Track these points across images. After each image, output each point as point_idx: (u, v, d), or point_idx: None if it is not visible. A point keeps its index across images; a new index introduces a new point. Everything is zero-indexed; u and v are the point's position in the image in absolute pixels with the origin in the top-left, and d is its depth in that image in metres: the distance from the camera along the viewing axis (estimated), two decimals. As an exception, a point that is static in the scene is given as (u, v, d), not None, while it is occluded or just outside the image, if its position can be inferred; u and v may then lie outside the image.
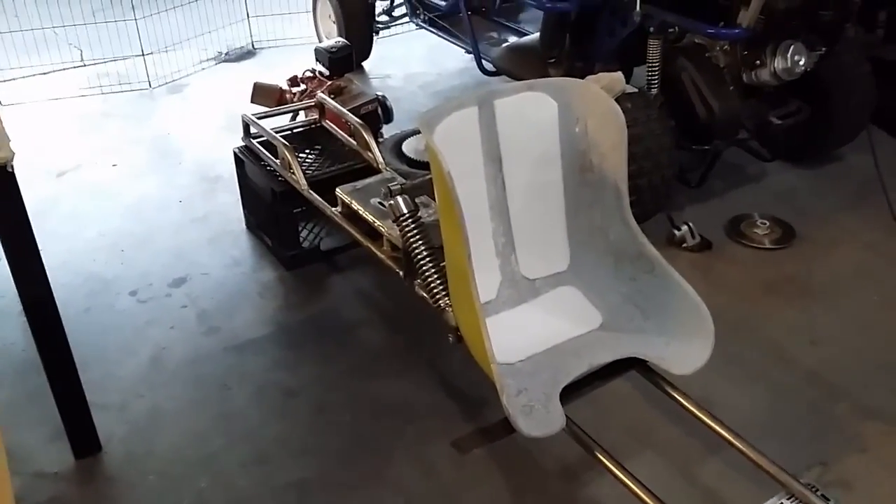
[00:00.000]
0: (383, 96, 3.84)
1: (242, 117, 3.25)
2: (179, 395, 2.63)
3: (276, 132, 3.25)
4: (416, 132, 3.58)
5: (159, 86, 4.84)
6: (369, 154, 3.10)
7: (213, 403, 2.59)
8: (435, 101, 4.65)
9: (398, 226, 2.28)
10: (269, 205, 3.15)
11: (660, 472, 2.23)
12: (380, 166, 3.02)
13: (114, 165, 4.01)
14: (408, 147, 3.47)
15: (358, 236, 2.68)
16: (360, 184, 2.83)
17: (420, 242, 2.25)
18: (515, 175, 2.22)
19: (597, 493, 2.18)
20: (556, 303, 2.27)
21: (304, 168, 3.06)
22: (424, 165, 3.32)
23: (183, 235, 3.44)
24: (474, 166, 2.20)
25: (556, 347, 2.11)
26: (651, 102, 3.20)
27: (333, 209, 2.82)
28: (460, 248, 1.90)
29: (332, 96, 3.74)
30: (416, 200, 2.34)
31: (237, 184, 3.44)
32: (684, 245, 3.18)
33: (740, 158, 3.69)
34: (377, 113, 3.81)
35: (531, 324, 2.21)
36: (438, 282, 2.22)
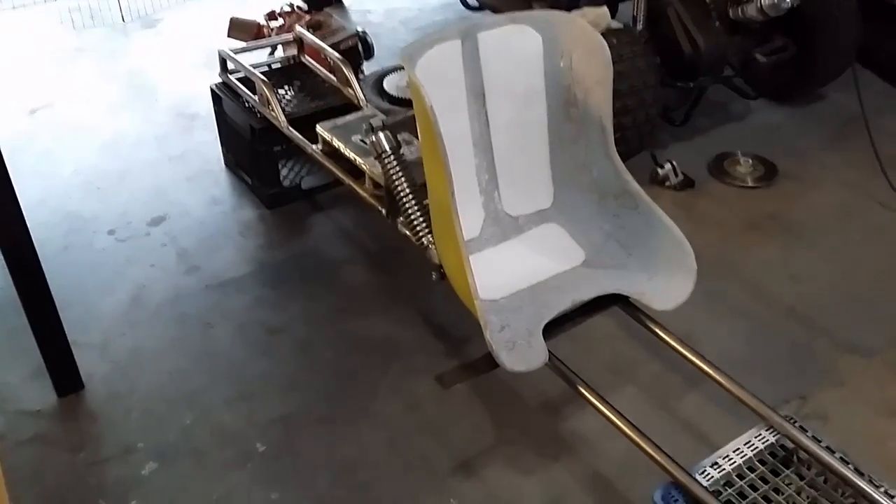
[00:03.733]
0: (363, 31, 3.76)
1: (219, 52, 3.18)
2: (161, 334, 2.62)
3: (255, 68, 3.18)
4: (397, 68, 3.52)
5: (132, 21, 4.72)
6: (350, 90, 3.04)
7: (195, 342, 2.58)
8: (416, 36, 4.54)
9: (380, 163, 2.26)
10: (249, 143, 3.10)
11: (641, 406, 2.26)
12: (360, 103, 2.97)
13: (88, 102, 3.92)
14: (389, 84, 3.42)
15: (339, 174, 2.65)
16: (340, 121, 2.78)
17: (402, 180, 2.22)
18: (499, 110, 2.19)
19: (578, 426, 2.21)
20: (539, 240, 2.26)
21: (283, 105, 3.01)
22: (406, 103, 3.28)
23: (161, 173, 3.39)
24: (457, 101, 2.16)
25: (540, 284, 2.11)
26: (636, 39, 3.15)
27: (314, 147, 2.78)
28: (443, 185, 1.88)
29: (311, 31, 3.67)
30: (399, 137, 2.31)
31: (215, 122, 3.38)
32: (667, 183, 3.18)
33: (725, 96, 3.67)
34: (357, 49, 3.74)
35: (514, 261, 2.21)
36: (421, 219, 2.21)
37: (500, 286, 2.11)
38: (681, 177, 3.18)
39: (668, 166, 3.18)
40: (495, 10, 3.93)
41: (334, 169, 2.68)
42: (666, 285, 2.03)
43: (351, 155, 2.60)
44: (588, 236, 2.22)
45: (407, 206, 2.22)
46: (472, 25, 2.11)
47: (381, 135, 2.21)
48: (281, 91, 3.22)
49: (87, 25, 4.65)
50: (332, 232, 3.07)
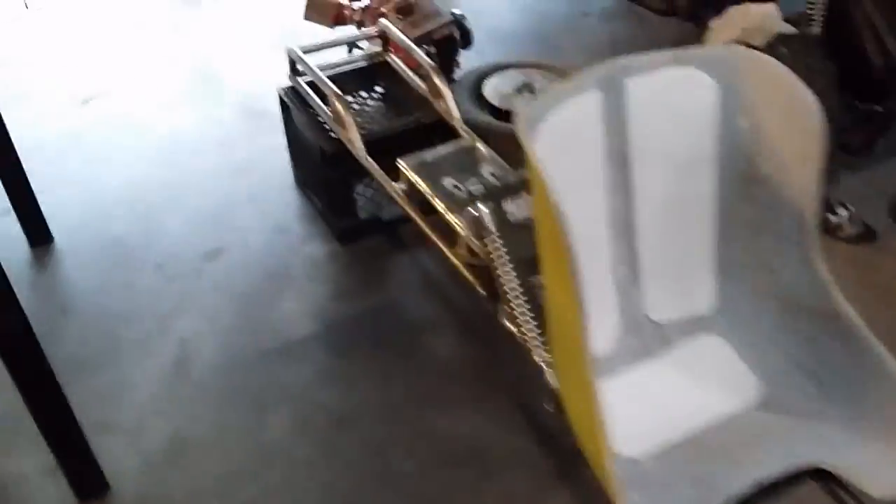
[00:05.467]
0: (461, 15, 3.15)
1: (287, 52, 2.62)
2: (206, 417, 2.14)
3: (330, 69, 2.63)
4: (499, 67, 2.91)
5: (202, -11, 4.19)
6: (442, 105, 2.46)
7: (246, 431, 2.10)
8: (523, 18, 3.92)
9: (481, 243, 1.69)
10: (318, 165, 2.56)
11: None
12: (456, 126, 2.39)
13: (145, 91, 3.44)
14: (490, 90, 2.82)
15: (426, 229, 2.09)
16: (429, 155, 2.22)
17: (511, 271, 1.66)
18: (649, 182, 1.59)
19: None
20: (695, 359, 1.67)
21: (360, 119, 2.45)
22: (509, 115, 2.68)
23: (220, 190, 2.90)
24: (591, 170, 1.57)
25: (700, 437, 1.52)
26: (811, 46, 2.45)
27: (395, 185, 2.22)
28: (569, 298, 1.30)
29: (400, 17, 3.08)
30: (507, 204, 1.74)
31: (284, 127, 2.85)
32: (840, 233, 2.51)
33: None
34: (453, 38, 3.14)
35: (662, 391, 1.62)
36: (534, 325, 1.65)
37: (643, 434, 1.53)
38: (859, 226, 2.50)
39: (842, 212, 2.50)
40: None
41: (418, 220, 2.12)
42: (886, 458, 1.42)
43: (441, 207, 2.04)
44: (766, 361, 1.61)
45: (515, 304, 1.66)
46: (619, 68, 1.50)
47: (484, 211, 1.65)
48: (359, 97, 2.66)
49: (153, -6, 4.16)
50: (415, 280, 2.53)
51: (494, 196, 1.74)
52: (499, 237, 1.66)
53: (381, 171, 2.27)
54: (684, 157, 1.59)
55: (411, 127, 2.48)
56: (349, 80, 2.67)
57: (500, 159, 2.19)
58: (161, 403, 2.18)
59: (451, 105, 2.42)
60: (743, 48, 1.55)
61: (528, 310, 1.65)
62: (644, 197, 1.61)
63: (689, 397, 1.60)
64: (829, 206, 2.53)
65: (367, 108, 2.63)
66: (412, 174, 2.13)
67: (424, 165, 2.16)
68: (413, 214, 2.14)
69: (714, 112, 1.55)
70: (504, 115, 2.71)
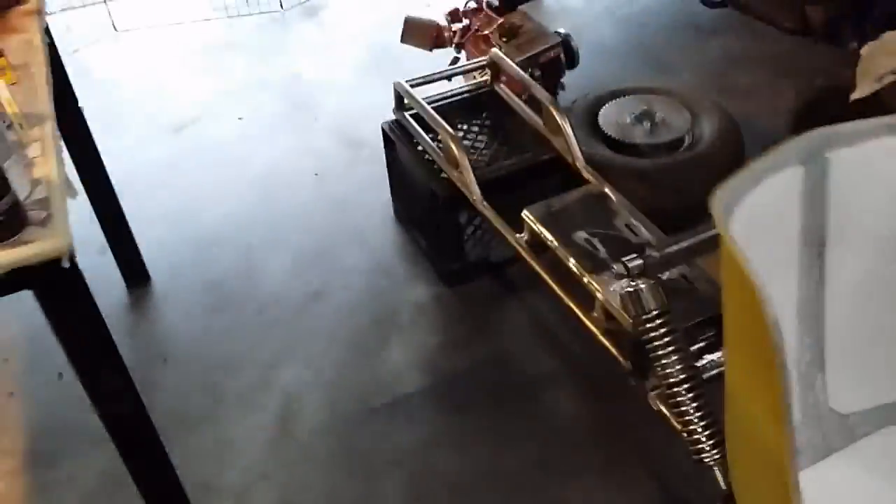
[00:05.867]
0: (567, 34, 2.96)
1: (395, 87, 2.47)
2: (313, 482, 2.02)
3: (435, 101, 2.48)
4: (615, 95, 2.71)
5: (292, 7, 4.09)
6: (560, 143, 2.28)
7: (357, 500, 1.97)
8: (626, 32, 3.70)
9: (636, 326, 1.51)
10: (427, 207, 2.41)
11: None
12: (578, 167, 2.21)
13: (239, 119, 3.34)
14: (606, 120, 2.62)
15: (557, 289, 1.92)
16: (556, 203, 2.04)
17: (677, 360, 1.47)
18: (845, 265, 1.37)
19: None
20: (883, 455, 1.45)
21: (470, 155, 2.29)
22: (629, 149, 2.49)
23: (319, 227, 2.77)
24: (784, 255, 1.37)
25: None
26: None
27: (518, 237, 2.05)
28: (772, 413, 1.11)
29: (505, 39, 2.91)
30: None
31: (385, 160, 2.71)
32: None
33: None
34: (559, 59, 2.95)
35: (848, 492, 1.41)
36: (697, 416, 1.46)
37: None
38: None
39: None
40: (747, 11, 3.02)
41: (547, 278, 1.95)
42: None
43: (576, 268, 1.86)
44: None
45: (676, 394, 1.47)
46: (821, 139, 1.29)
47: (645, 290, 1.46)
48: (468, 131, 2.50)
49: (243, 13, 4.07)
50: (528, 327, 2.36)
51: (660, 300, 1.53)
52: (659, 316, 1.47)
53: (501, 220, 2.10)
54: (889, 234, 1.38)
55: (526, 166, 2.31)
56: (454, 112, 2.52)
57: (633, 208, 2.00)
58: (266, 465, 2.06)
59: (572, 143, 2.24)
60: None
61: (691, 399, 1.46)
62: (838, 279, 1.40)
63: (880, 499, 1.39)
64: None
65: (475, 145, 2.47)
66: (540, 227, 1.96)
67: (552, 216, 1.98)
68: (536, 267, 1.97)
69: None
70: (623, 147, 2.52)
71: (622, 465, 1.98)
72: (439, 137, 2.31)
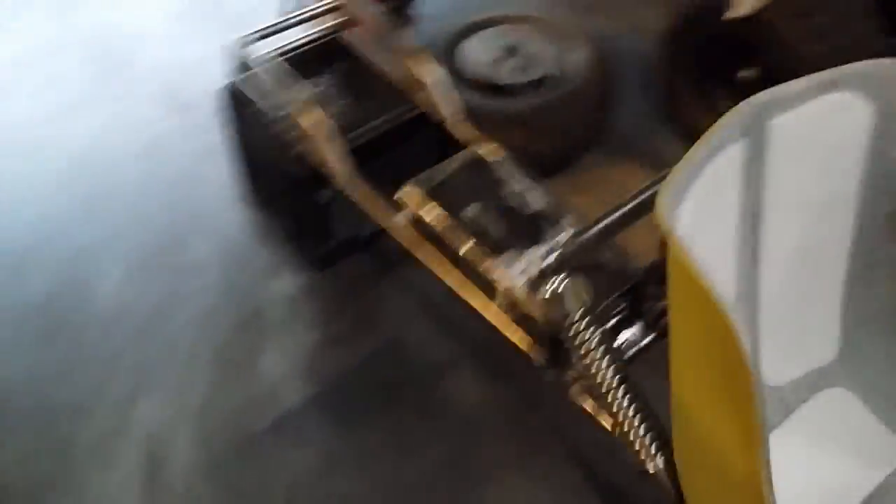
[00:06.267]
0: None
1: (233, 46, 2.07)
2: (198, 538, 1.73)
3: (276, 57, 2.11)
4: (473, 28, 2.42)
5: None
6: (425, 96, 1.99)
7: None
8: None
9: (565, 333, 1.29)
10: (284, 189, 2.08)
11: None
12: (453, 125, 1.93)
13: (37, 91, 2.82)
14: (467, 57, 2.33)
15: (445, 273, 1.67)
16: (436, 175, 1.77)
17: (605, 360, 1.27)
18: (780, 234, 1.20)
19: None
20: (822, 422, 1.33)
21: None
22: (498, 91, 2.23)
23: (155, 216, 2.39)
24: (723, 232, 1.17)
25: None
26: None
27: (398, 216, 1.77)
28: (739, 439, 0.96)
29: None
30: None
31: (226, 131, 2.32)
32: None
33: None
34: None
35: (791, 468, 1.28)
36: (637, 421, 1.27)
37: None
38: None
39: None
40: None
41: (435, 265, 1.69)
42: None
43: (468, 252, 1.61)
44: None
45: (612, 400, 1.28)
46: (763, 106, 1.07)
47: (566, 290, 1.23)
48: (314, 86, 2.15)
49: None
50: (416, 307, 2.11)
51: (582, 298, 1.30)
52: (583, 315, 1.25)
53: (377, 199, 1.81)
54: (820, 198, 1.20)
55: (393, 127, 2.00)
56: (300, 69, 2.15)
57: (521, 172, 1.76)
58: (138, 527, 1.75)
59: (441, 98, 1.95)
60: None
61: (628, 402, 1.26)
62: (772, 251, 1.22)
63: (823, 471, 1.27)
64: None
65: (327, 101, 2.13)
66: (427, 210, 1.68)
67: (434, 193, 1.71)
68: (426, 256, 1.71)
69: (864, 143, 1.15)
70: (491, 89, 2.25)
71: (540, 452, 1.80)
72: (292, 105, 1.96)
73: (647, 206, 1.38)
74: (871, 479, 1.24)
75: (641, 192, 1.29)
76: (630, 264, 1.55)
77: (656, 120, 2.46)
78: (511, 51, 2.30)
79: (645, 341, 1.48)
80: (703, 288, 0.87)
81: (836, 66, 1.88)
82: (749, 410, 0.90)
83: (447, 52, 2.35)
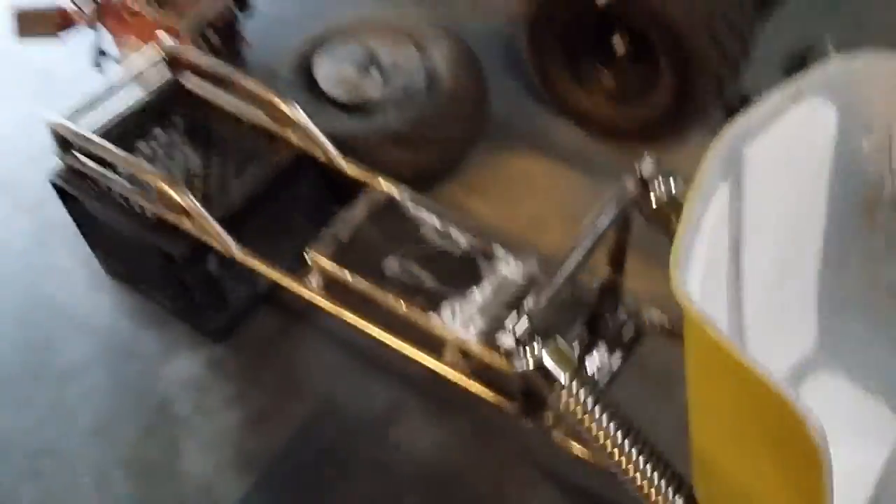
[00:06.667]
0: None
1: (51, 129, 1.78)
2: None
3: (110, 126, 1.86)
4: (322, 41, 2.22)
5: None
6: (302, 136, 1.81)
7: None
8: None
9: (555, 398, 1.19)
10: (162, 268, 1.84)
11: None
12: (337, 164, 1.76)
13: None
14: (326, 78, 2.14)
15: (395, 343, 1.53)
16: (342, 228, 1.61)
17: (605, 417, 1.18)
18: (758, 252, 1.16)
19: None
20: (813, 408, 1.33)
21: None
22: (367, 109, 2.07)
23: (10, 319, 2.07)
24: (717, 262, 1.12)
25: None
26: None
27: (309, 281, 1.60)
28: None
29: (156, 5, 2.28)
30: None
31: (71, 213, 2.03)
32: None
33: None
34: (230, 9, 2.38)
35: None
36: (655, 475, 1.20)
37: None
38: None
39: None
40: None
41: (360, 323, 1.55)
42: None
43: (407, 311, 1.48)
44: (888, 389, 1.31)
45: (627, 457, 1.20)
46: (740, 137, 1.00)
47: (550, 359, 1.13)
48: (159, 150, 1.90)
49: None
50: (339, 356, 1.95)
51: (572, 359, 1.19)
52: (573, 379, 1.16)
53: (273, 266, 1.63)
54: (796, 204, 1.16)
55: (268, 181, 1.81)
56: (137, 131, 1.91)
57: (432, 204, 1.63)
58: None
59: (319, 138, 1.77)
60: (878, 56, 1.10)
61: (637, 452, 1.19)
62: (752, 269, 1.18)
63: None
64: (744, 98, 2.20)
65: (187, 167, 1.90)
66: (338, 270, 1.52)
67: (346, 250, 1.55)
68: (349, 316, 1.56)
69: (831, 141, 1.12)
70: (359, 109, 2.08)
71: (511, 480, 1.72)
72: (143, 180, 1.72)
73: (603, 238, 1.32)
74: (880, 456, 1.25)
75: (592, 228, 1.22)
76: (583, 290, 1.47)
77: (533, 101, 2.38)
78: (372, 62, 2.14)
79: (616, 366, 1.42)
80: (748, 369, 0.81)
81: (705, 33, 1.89)
82: (819, 489, 0.85)
83: (302, 75, 2.15)
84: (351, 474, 1.76)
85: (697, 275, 0.90)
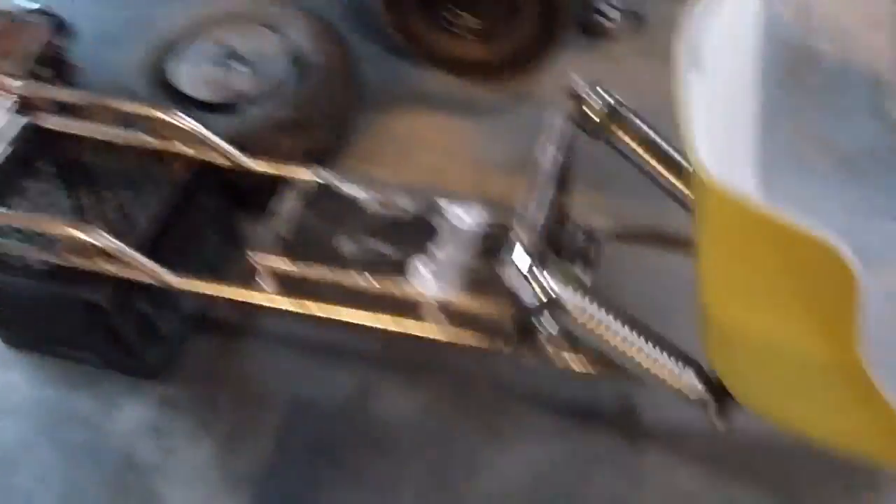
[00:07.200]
0: (40, 7, 2.21)
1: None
2: None
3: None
4: (172, 44, 2.11)
5: None
6: (198, 147, 1.73)
7: None
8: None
9: (567, 316, 1.23)
10: (89, 322, 1.71)
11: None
12: (244, 164, 1.71)
13: None
14: (186, 80, 2.04)
15: (340, 316, 1.51)
16: (278, 224, 1.57)
17: (616, 320, 1.25)
18: (721, 122, 1.25)
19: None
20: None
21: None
22: (227, 107, 2.00)
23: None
24: None
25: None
26: None
27: (256, 287, 1.55)
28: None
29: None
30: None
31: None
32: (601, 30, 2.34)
33: None
34: (56, 42, 2.20)
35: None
36: (664, 355, 1.29)
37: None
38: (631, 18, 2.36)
39: (612, 12, 2.33)
40: None
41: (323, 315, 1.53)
42: None
43: (373, 282, 1.47)
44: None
45: (641, 349, 1.27)
46: (698, 27, 1.07)
47: (554, 276, 1.18)
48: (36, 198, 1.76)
49: None
50: (292, 357, 1.90)
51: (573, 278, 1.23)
52: (588, 295, 1.20)
53: (221, 284, 1.56)
54: (739, 73, 1.26)
55: (178, 201, 1.72)
56: (18, 179, 1.76)
57: (356, 177, 1.62)
58: None
59: (216, 142, 1.70)
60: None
61: (643, 339, 1.27)
62: (722, 133, 1.27)
63: None
64: (597, 11, 2.32)
65: (60, 209, 1.76)
66: (294, 266, 1.49)
67: (293, 245, 1.51)
68: (312, 307, 1.53)
69: (757, 21, 1.21)
70: (231, 108, 2.00)
71: (506, 454, 1.74)
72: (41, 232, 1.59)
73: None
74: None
75: (549, 156, 1.26)
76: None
77: (401, 60, 2.37)
78: (230, 55, 2.06)
79: (588, 275, 1.48)
80: (778, 220, 0.89)
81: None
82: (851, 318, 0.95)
83: (154, 84, 2.04)
84: (344, 460, 1.74)
85: (705, 148, 0.96)
